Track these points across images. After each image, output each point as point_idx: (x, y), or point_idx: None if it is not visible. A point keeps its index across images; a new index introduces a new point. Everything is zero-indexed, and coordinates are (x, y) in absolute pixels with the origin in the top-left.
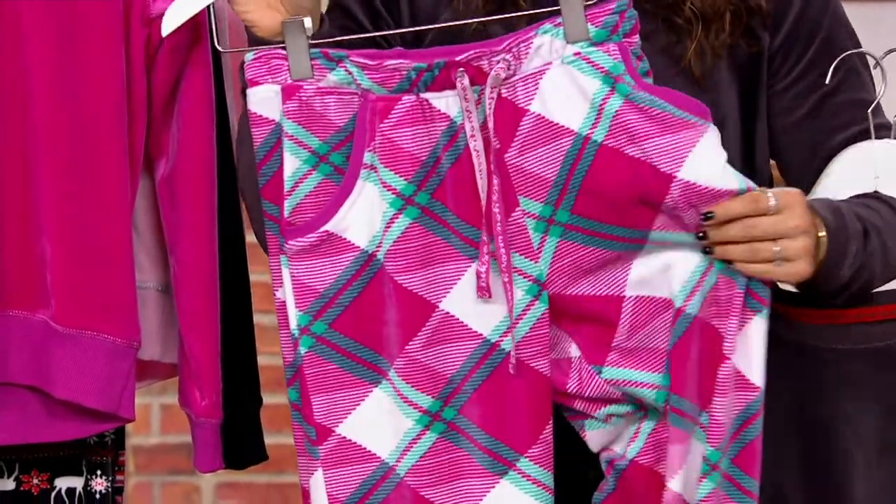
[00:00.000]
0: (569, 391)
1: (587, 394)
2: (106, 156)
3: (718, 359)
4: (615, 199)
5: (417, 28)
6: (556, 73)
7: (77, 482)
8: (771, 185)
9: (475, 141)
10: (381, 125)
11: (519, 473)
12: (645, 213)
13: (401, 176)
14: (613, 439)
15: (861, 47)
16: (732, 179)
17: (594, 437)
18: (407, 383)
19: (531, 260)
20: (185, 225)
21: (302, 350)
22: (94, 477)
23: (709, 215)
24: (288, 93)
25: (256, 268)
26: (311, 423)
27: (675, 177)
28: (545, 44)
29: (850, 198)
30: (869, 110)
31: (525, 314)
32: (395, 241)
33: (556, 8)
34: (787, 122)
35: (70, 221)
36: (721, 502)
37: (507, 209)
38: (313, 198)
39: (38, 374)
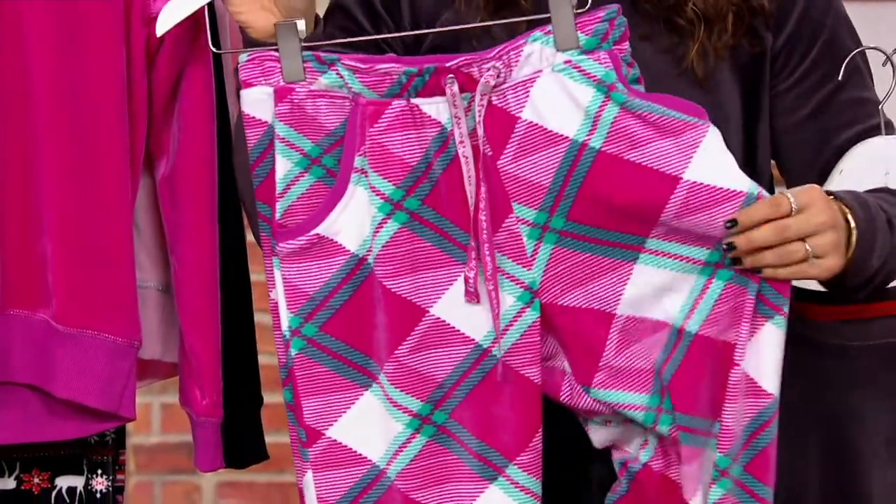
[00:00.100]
0: (562, 400)
1: (580, 406)
2: (106, 155)
3: (728, 369)
4: (614, 206)
5: (418, 31)
6: (546, 80)
7: (78, 481)
8: (772, 186)
9: (464, 147)
10: (371, 129)
11: (508, 480)
12: (643, 219)
13: (389, 181)
14: (618, 438)
15: (861, 46)
16: (740, 179)
17: (596, 434)
18: (396, 387)
19: (524, 267)
20: (185, 224)
21: (293, 352)
22: (94, 476)
23: (731, 224)
24: (280, 95)
25: (257, 267)
26: (301, 425)
27: (680, 178)
28: (535, 52)
29: (865, 191)
30: (880, 107)
31: (516, 321)
32: (383, 246)
33: (546, 15)
34: (790, 121)
35: (71, 221)
36: None
37: (498, 216)
38: (305, 200)
39: (39, 374)
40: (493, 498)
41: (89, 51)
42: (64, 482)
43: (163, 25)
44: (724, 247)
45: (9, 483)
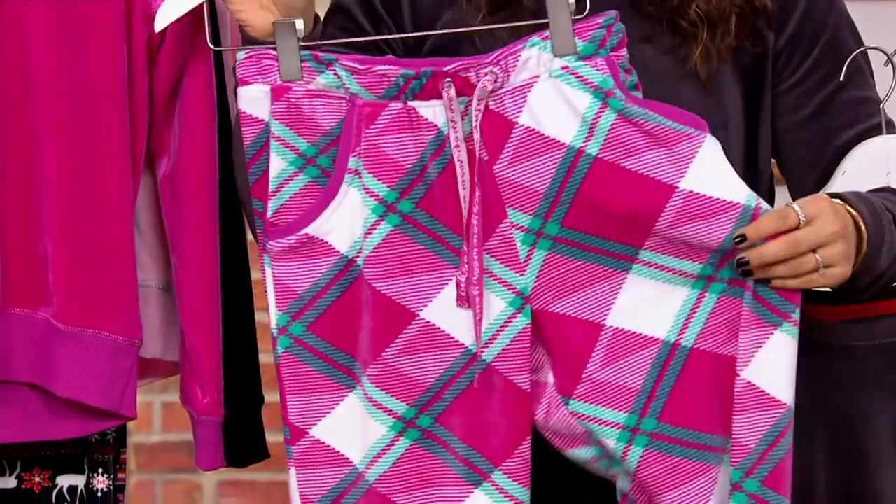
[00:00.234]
0: (537, 420)
1: (552, 423)
2: (107, 154)
3: (732, 381)
4: (609, 213)
5: (418, 34)
6: (543, 86)
7: (79, 480)
8: (772, 185)
9: (459, 151)
10: (367, 131)
11: (493, 485)
12: (638, 229)
13: (384, 182)
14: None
15: (863, 45)
16: (737, 190)
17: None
18: (381, 389)
19: (517, 272)
20: (186, 223)
21: (279, 350)
22: (95, 475)
23: (740, 239)
24: (277, 94)
25: (258, 266)
26: (285, 422)
27: (676, 187)
28: (533, 57)
29: (867, 191)
30: (881, 106)
31: (506, 327)
32: (375, 248)
33: (543, 21)
34: (792, 121)
35: (72, 219)
36: None
37: (492, 221)
38: (298, 199)
39: (40, 372)
40: (477, 503)
41: (90, 50)
42: (65, 481)
43: (161, 22)
44: (737, 263)
45: (10, 482)
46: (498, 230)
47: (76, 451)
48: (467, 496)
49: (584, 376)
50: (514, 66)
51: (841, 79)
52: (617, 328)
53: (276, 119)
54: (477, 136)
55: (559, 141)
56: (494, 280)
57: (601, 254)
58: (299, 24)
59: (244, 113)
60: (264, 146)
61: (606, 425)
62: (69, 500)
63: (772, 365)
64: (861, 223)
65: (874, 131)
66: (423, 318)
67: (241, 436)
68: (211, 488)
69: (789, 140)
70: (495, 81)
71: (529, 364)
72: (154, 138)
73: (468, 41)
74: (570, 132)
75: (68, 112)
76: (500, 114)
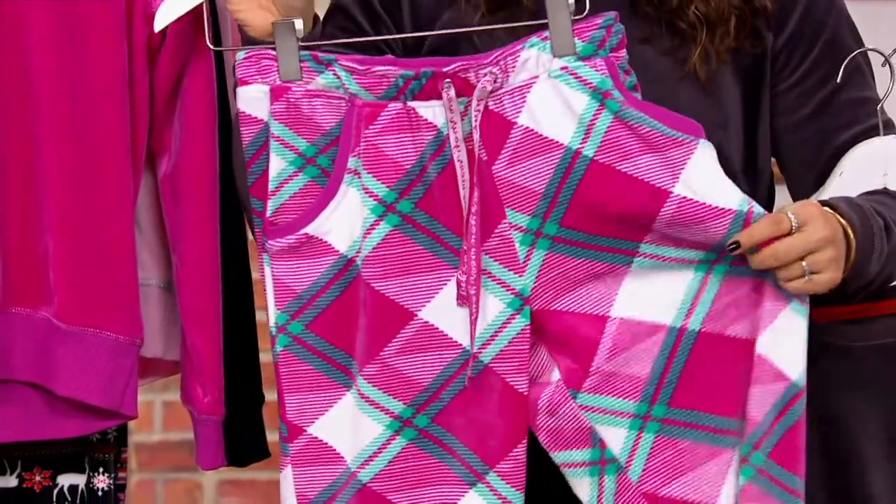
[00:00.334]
0: (538, 417)
1: (555, 420)
2: (108, 153)
3: (742, 363)
4: (607, 213)
5: (417, 34)
6: (542, 86)
7: (79, 479)
8: (772, 185)
9: (459, 152)
10: (367, 131)
11: (487, 487)
12: (637, 226)
13: (383, 183)
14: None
15: (863, 45)
16: (731, 197)
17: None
18: (379, 388)
19: (516, 273)
20: (187, 222)
21: (278, 348)
22: (96, 474)
23: (734, 246)
24: (276, 94)
25: (258, 265)
26: (283, 420)
27: (670, 193)
28: (532, 57)
29: (861, 195)
30: (878, 107)
31: (504, 328)
32: (374, 248)
33: (543, 21)
34: (791, 121)
35: (72, 219)
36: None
37: (491, 221)
38: (297, 199)
39: (41, 372)
40: (471, 503)
41: (90, 50)
42: (65, 480)
43: (160, 22)
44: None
45: (10, 481)
46: (496, 231)
47: (77, 450)
48: (461, 496)
49: (592, 369)
50: (513, 67)
51: (838, 80)
52: (622, 318)
53: (276, 119)
54: (476, 136)
55: (557, 142)
56: (493, 281)
57: (601, 250)
58: (298, 24)
59: (243, 113)
60: (263, 146)
61: (617, 415)
62: (70, 499)
63: (780, 338)
64: (850, 231)
65: (873, 132)
66: (421, 318)
67: (241, 435)
68: (211, 487)
69: (788, 140)
70: (495, 82)
71: (528, 366)
72: (155, 137)
73: (467, 41)
74: (568, 133)
75: (69, 111)
76: (500, 114)
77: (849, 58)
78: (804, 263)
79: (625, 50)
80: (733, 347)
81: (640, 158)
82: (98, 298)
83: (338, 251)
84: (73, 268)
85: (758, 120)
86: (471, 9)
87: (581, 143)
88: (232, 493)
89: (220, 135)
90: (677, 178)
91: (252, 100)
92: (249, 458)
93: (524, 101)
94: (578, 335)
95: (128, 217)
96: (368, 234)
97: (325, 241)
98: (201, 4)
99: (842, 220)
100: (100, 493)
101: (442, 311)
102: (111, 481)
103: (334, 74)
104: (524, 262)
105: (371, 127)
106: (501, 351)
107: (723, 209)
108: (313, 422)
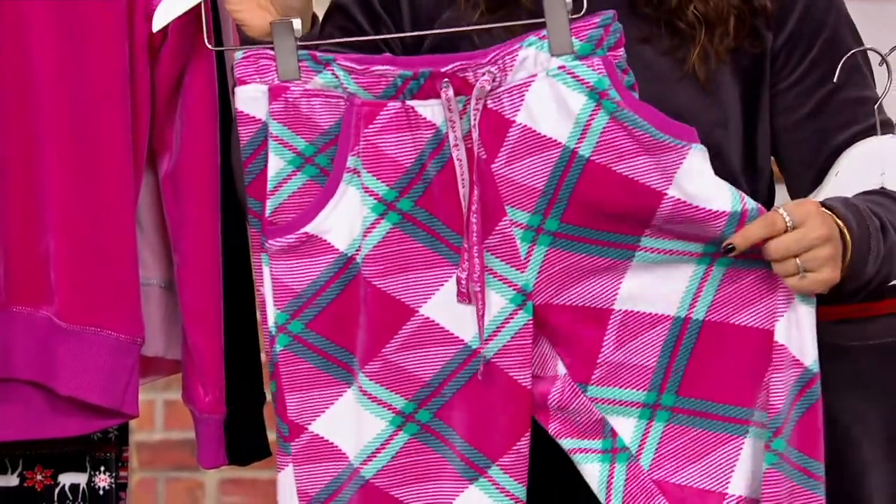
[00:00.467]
0: (550, 407)
1: (570, 407)
2: (109, 152)
3: (748, 351)
4: (606, 211)
5: (416, 33)
6: (540, 85)
7: (81, 478)
8: (772, 183)
9: (458, 150)
10: (366, 130)
11: (489, 481)
12: (637, 221)
13: (383, 181)
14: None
15: (863, 44)
16: (723, 198)
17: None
18: (380, 385)
19: (517, 269)
20: (188, 221)
21: (278, 348)
22: (97, 473)
23: (730, 248)
24: (274, 93)
25: None
26: (284, 419)
27: (665, 194)
28: (530, 56)
29: (858, 195)
30: (875, 107)
31: (507, 323)
32: (374, 246)
33: (541, 20)
34: (790, 120)
35: (73, 218)
36: (786, 487)
37: (491, 219)
38: (296, 199)
39: (42, 371)
40: (472, 497)
41: (90, 49)
42: (67, 479)
43: (158, 21)
44: None
45: (11, 480)
46: (497, 228)
47: (78, 449)
48: (462, 491)
49: (598, 361)
50: (511, 66)
51: (835, 80)
52: (626, 311)
53: (274, 119)
54: (475, 135)
55: (555, 140)
56: (495, 277)
57: (603, 245)
58: (297, 23)
59: (241, 112)
60: (261, 146)
61: (626, 405)
62: (71, 498)
63: (794, 326)
64: (846, 232)
65: (873, 131)
66: (422, 315)
67: (242, 434)
68: (213, 486)
69: (787, 139)
70: (493, 81)
71: (530, 361)
72: (156, 136)
73: (467, 40)
74: (565, 133)
75: (69, 111)
76: (498, 112)
77: (846, 57)
78: (798, 260)
79: (623, 49)
80: (740, 336)
81: (635, 160)
82: (99, 297)
83: (337, 250)
84: (75, 267)
85: (757, 119)
86: (470, 8)
87: (577, 143)
88: (233, 492)
89: (221, 134)
90: (670, 181)
91: (250, 99)
92: (251, 457)
93: (522, 100)
94: (583, 329)
95: (129, 216)
96: (369, 232)
97: (325, 240)
98: (199, 4)
99: (838, 220)
100: (101, 493)
101: (443, 307)
102: (112, 480)
103: (333, 74)
104: (526, 259)
105: (370, 126)
106: (504, 346)
107: (716, 212)
108: (314, 419)
